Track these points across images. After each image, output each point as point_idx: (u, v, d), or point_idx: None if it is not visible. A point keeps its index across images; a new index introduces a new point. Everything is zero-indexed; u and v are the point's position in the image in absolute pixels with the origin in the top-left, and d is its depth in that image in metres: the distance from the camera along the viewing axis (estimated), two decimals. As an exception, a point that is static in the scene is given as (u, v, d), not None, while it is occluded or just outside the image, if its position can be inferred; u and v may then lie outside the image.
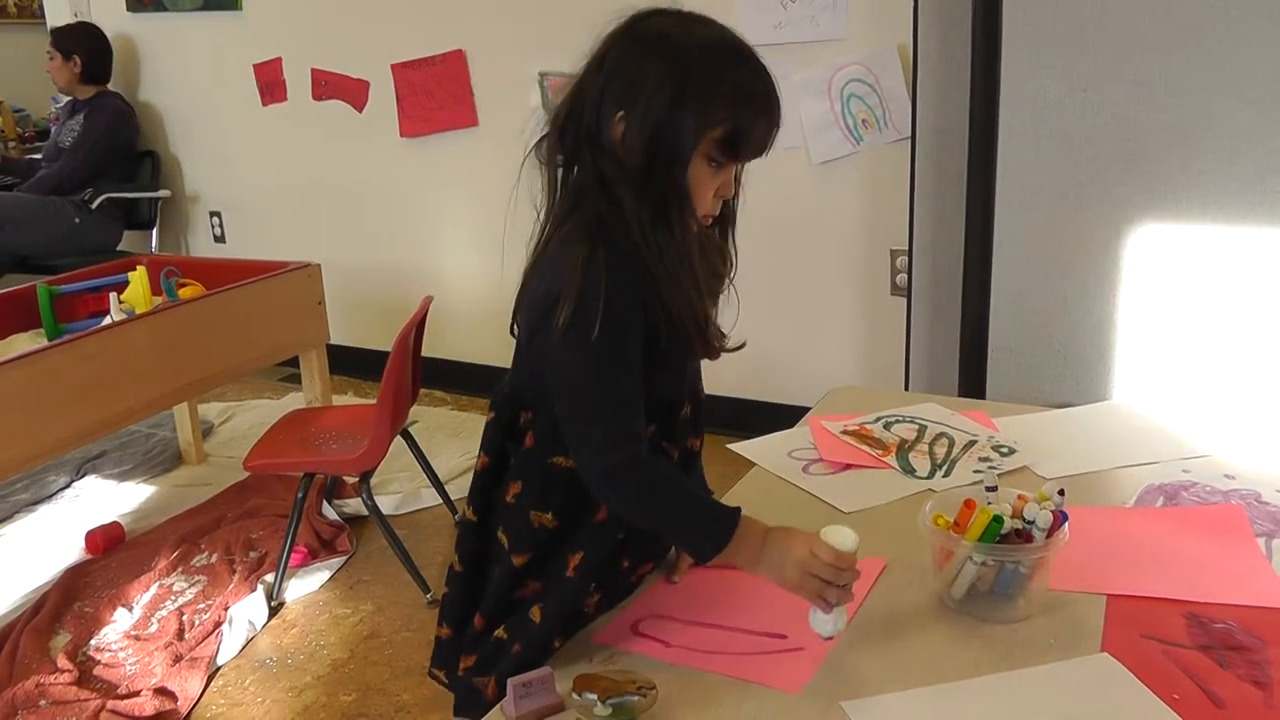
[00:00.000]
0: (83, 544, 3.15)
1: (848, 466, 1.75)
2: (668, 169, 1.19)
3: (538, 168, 1.27)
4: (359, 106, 4.32)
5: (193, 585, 2.90)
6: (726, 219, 1.34)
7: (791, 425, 1.93)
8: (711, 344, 1.28)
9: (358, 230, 4.51)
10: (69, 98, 4.77)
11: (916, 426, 1.90)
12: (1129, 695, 1.15)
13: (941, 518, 1.30)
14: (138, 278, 3.15)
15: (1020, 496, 1.30)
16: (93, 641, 2.66)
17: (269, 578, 2.85)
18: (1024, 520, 1.27)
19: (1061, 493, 1.30)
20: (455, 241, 4.24)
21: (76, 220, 4.50)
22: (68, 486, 3.65)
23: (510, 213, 1.29)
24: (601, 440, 1.20)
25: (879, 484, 1.68)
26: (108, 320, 2.96)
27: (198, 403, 3.89)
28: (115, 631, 2.70)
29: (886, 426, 1.90)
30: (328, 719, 2.31)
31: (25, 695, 2.41)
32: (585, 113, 1.22)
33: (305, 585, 2.87)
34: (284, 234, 4.68)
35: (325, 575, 2.92)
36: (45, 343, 2.83)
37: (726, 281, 1.35)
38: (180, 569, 2.99)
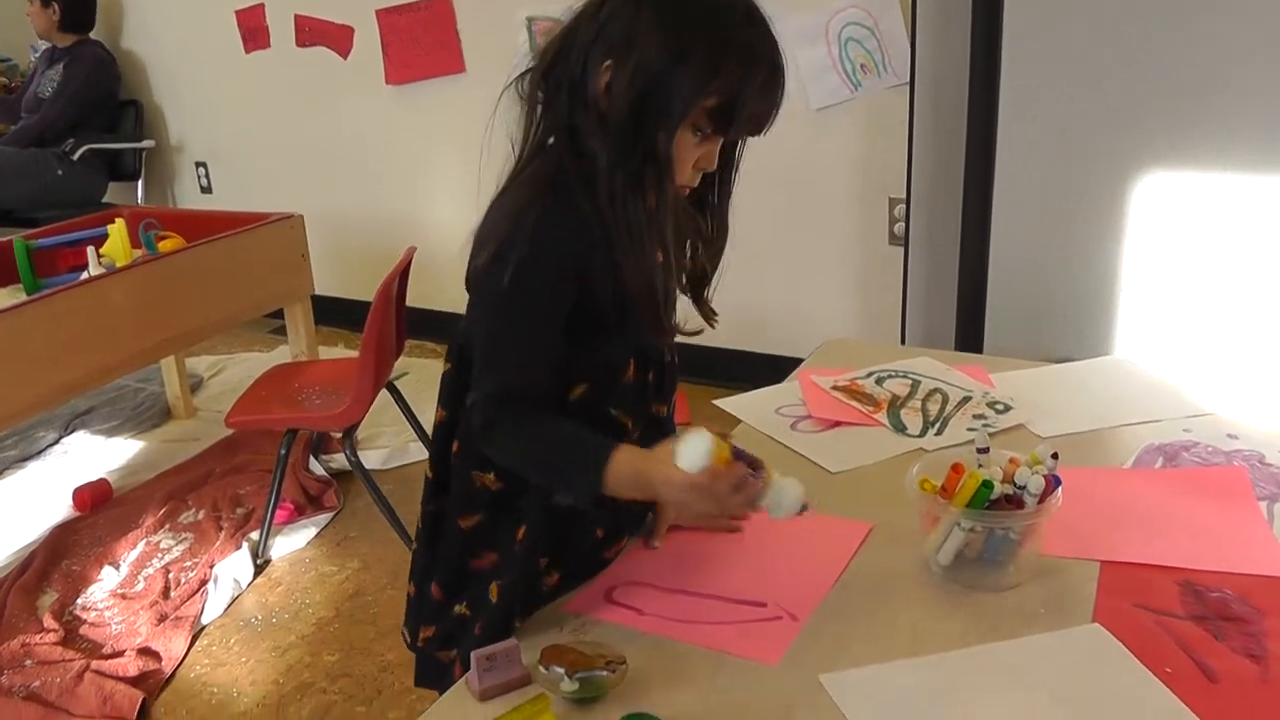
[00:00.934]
0: (70, 501, 3.12)
1: (836, 424, 1.69)
2: (652, 131, 1.10)
3: (518, 103, 1.19)
4: (343, 53, 4.22)
5: (180, 543, 2.87)
6: (716, 191, 1.26)
7: (785, 377, 1.87)
8: (662, 325, 1.19)
9: (346, 179, 4.42)
10: (47, 45, 4.66)
11: (909, 382, 1.84)
12: (1120, 669, 1.10)
13: (928, 482, 1.24)
14: (116, 231, 3.09)
15: (1011, 460, 1.24)
16: (79, 600, 2.63)
17: (254, 535, 2.82)
18: (1015, 485, 1.21)
19: (1055, 456, 1.24)
20: (444, 189, 4.16)
21: (59, 172, 4.41)
22: (56, 443, 3.61)
23: (493, 158, 1.21)
24: (489, 393, 1.14)
25: (868, 442, 1.62)
26: (85, 275, 2.89)
27: (185, 356, 3.84)
28: (102, 590, 2.67)
29: (879, 382, 1.84)
30: (311, 679, 2.28)
31: (10, 655, 2.39)
32: (574, 55, 1.13)
33: (291, 542, 2.84)
34: (271, 184, 4.59)
35: (312, 532, 2.89)
36: (23, 298, 2.77)
37: (717, 261, 1.27)
38: (167, 526, 2.96)
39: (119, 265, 2.97)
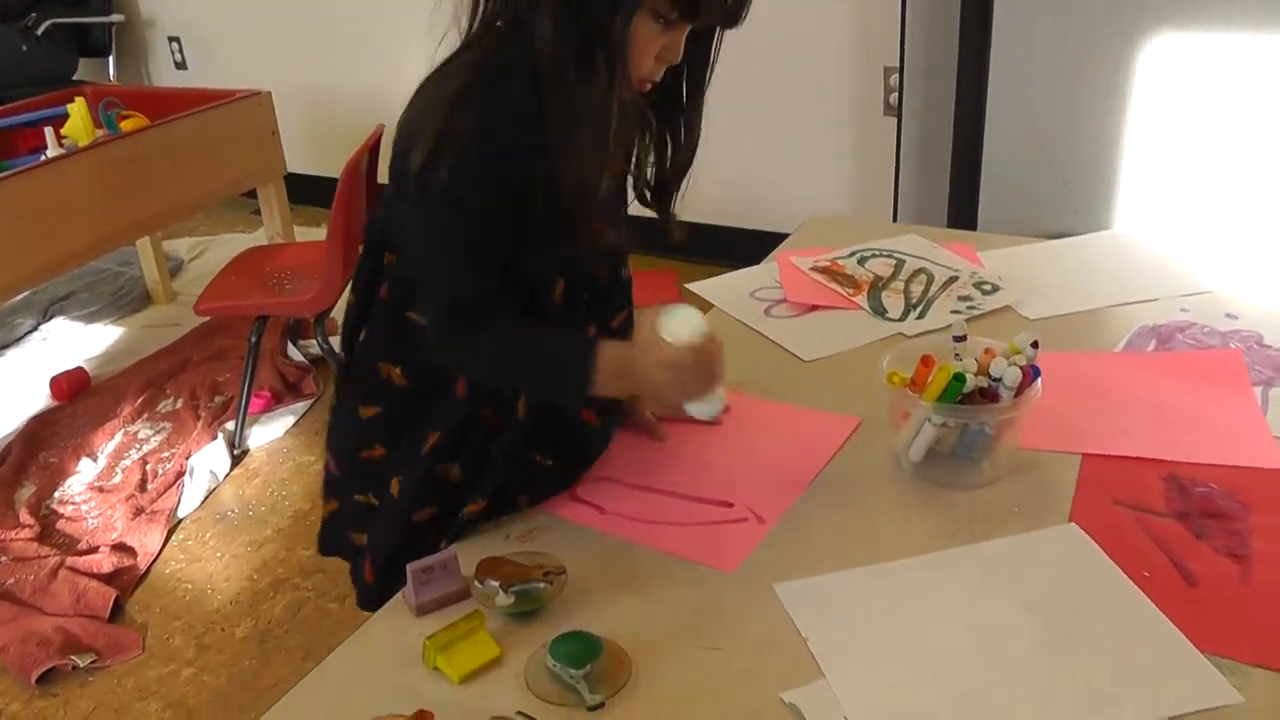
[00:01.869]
0: (48, 390, 3.07)
1: (813, 308, 1.60)
2: (607, 11, 0.97)
3: None
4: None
5: (157, 433, 2.83)
6: (686, 89, 1.12)
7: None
8: (585, 233, 1.05)
9: (327, 52, 4.22)
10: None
11: (893, 261, 1.74)
12: (1094, 572, 1.03)
13: (897, 375, 1.15)
14: (77, 110, 2.96)
15: (987, 350, 1.15)
16: (56, 494, 2.60)
17: (230, 425, 2.76)
18: (989, 377, 1.13)
19: (1035, 345, 1.15)
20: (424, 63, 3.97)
21: (24, 48, 4.22)
22: (35, 329, 3.55)
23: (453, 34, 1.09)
24: (446, 303, 1.05)
25: (845, 327, 1.54)
26: (44, 157, 2.77)
27: (163, 239, 3.74)
28: (79, 483, 2.64)
29: (860, 262, 1.74)
30: (285, 575, 2.26)
31: (-14, 550, 2.37)
32: None
33: (269, 431, 2.79)
34: (248, 59, 4.40)
35: (290, 420, 2.84)
36: (-20, 182, 2.65)
37: (684, 169, 1.15)
38: (145, 415, 2.91)
39: (81, 146, 2.85)
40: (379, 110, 4.23)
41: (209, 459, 2.65)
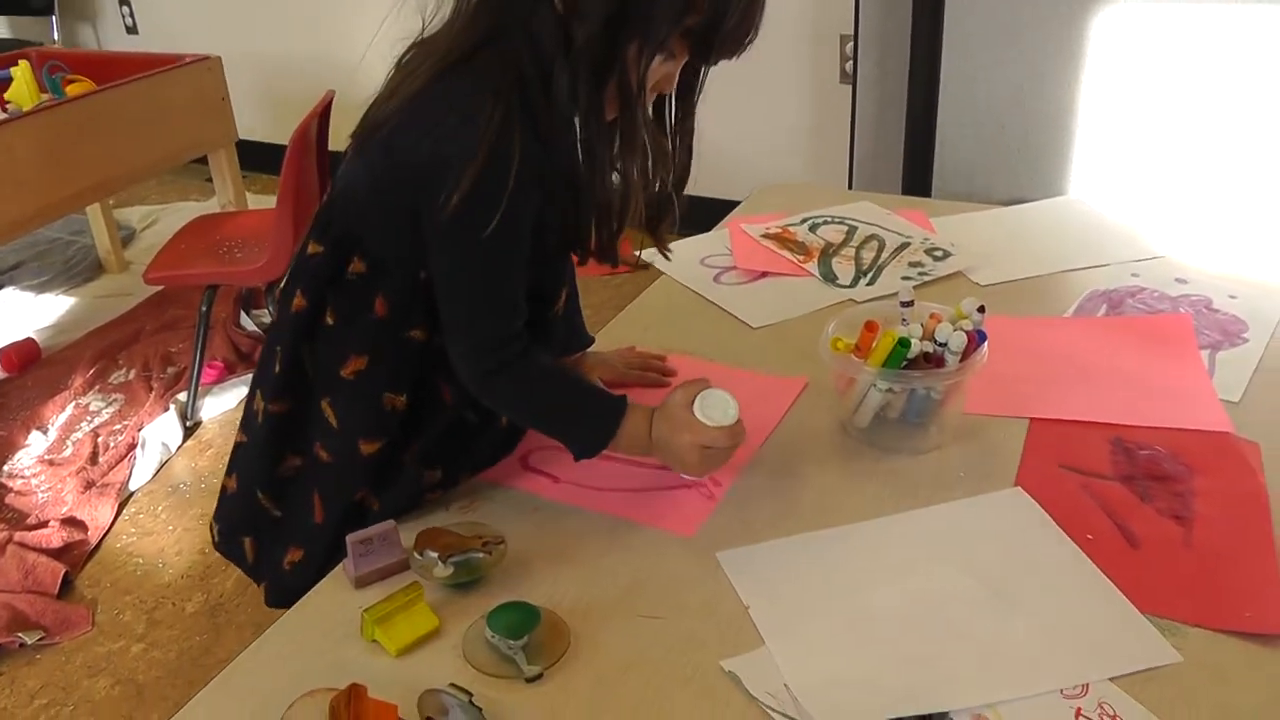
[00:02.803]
0: (-4, 363, 3.01)
1: (763, 275, 1.59)
2: (624, 52, 0.95)
3: None
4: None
5: (109, 404, 2.78)
6: (675, 113, 1.10)
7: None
8: (617, 248, 1.09)
9: (283, 17, 4.13)
10: None
11: (845, 228, 1.72)
12: (1038, 535, 1.03)
13: (841, 341, 1.14)
14: (20, 74, 2.88)
15: (933, 315, 1.14)
16: (5, 468, 2.55)
17: (182, 396, 2.72)
18: (935, 342, 1.12)
19: (981, 309, 1.14)
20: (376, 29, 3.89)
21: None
22: (-16, 300, 3.47)
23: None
24: (478, 342, 1.04)
25: (795, 294, 1.52)
26: (-15, 122, 2.70)
27: (114, 207, 3.66)
28: (29, 456, 2.59)
29: (812, 229, 1.73)
30: (238, 545, 2.23)
31: (-68, 526, 2.32)
32: None
33: (222, 402, 2.74)
34: (202, 23, 4.30)
35: (243, 391, 2.78)
36: (-81, 148, 2.58)
37: (681, 189, 1.13)
38: (97, 387, 2.86)
39: (25, 110, 2.77)
40: (331, 76, 4.17)
41: (161, 431, 2.61)
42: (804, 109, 3.28)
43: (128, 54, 3.28)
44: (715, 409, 1.05)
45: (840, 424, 1.21)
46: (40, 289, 3.52)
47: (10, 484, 2.48)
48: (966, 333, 1.11)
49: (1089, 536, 1.02)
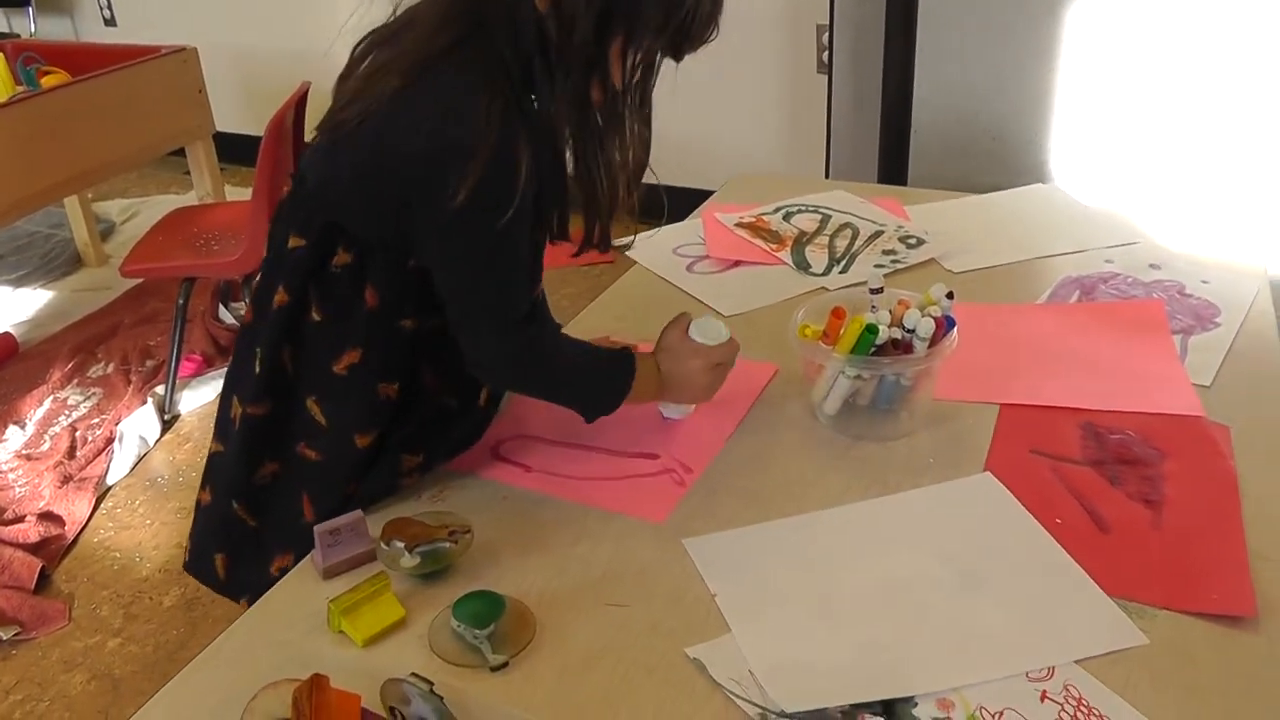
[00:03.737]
0: (-27, 357, 2.99)
1: (736, 264, 1.58)
2: (607, 51, 0.97)
3: None
4: None
5: (87, 398, 2.76)
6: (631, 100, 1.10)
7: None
8: (608, 236, 1.11)
9: (260, 9, 4.10)
10: None
11: (819, 217, 1.72)
12: (1006, 521, 1.03)
13: (809, 328, 1.14)
14: (-5, 65, 2.86)
15: (901, 302, 1.14)
16: (-19, 462, 2.53)
17: (160, 390, 2.70)
18: (903, 329, 1.12)
19: (950, 295, 1.14)
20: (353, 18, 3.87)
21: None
22: (-39, 295, 3.44)
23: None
24: (501, 328, 1.05)
25: (767, 282, 1.52)
26: (-43, 115, 2.67)
27: (93, 201, 3.63)
28: (6, 451, 2.57)
29: (786, 218, 1.72)
30: (215, 539, 2.22)
31: (-91, 521, 2.30)
32: None
33: (201, 395, 2.73)
34: (181, 14, 4.26)
35: (221, 384, 2.77)
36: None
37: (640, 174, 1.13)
38: (75, 381, 2.84)
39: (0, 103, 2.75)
40: (307, 67, 4.15)
41: (139, 424, 2.59)
42: (781, 98, 3.27)
43: (103, 45, 3.25)
44: (710, 330, 1.15)
45: (810, 411, 1.21)
46: (18, 283, 3.50)
47: (-13, 479, 2.46)
48: (935, 319, 1.11)
49: (1058, 521, 1.02)
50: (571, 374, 1.12)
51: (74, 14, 4.59)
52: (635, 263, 1.59)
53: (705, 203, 1.79)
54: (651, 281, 1.54)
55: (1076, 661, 0.86)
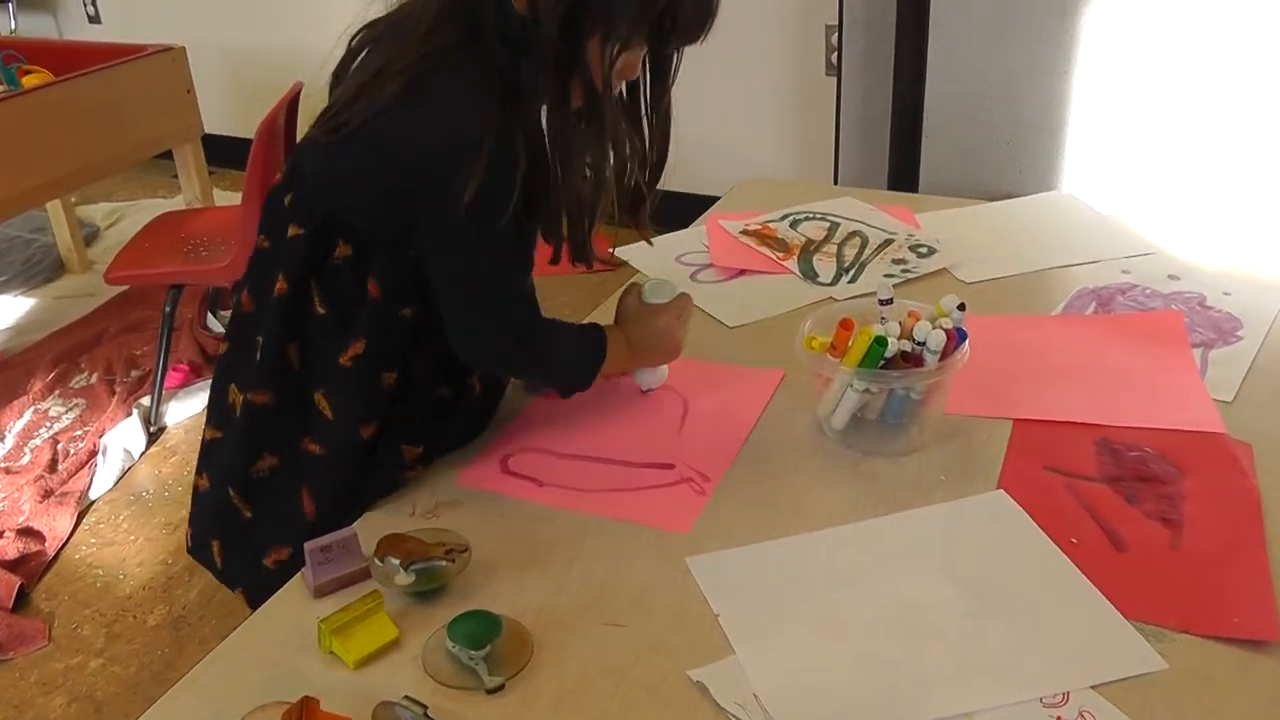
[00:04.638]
0: (-48, 367, 2.93)
1: (741, 272, 1.55)
2: (585, 45, 0.97)
3: None
4: None
5: (70, 410, 2.71)
6: (648, 101, 1.11)
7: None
8: (588, 248, 1.11)
9: (251, 3, 4.05)
10: None
11: (827, 224, 1.69)
12: (1020, 540, 1.00)
13: (816, 339, 1.11)
14: (-26, 65, 2.81)
15: (911, 313, 1.11)
16: (-41, 475, 2.48)
17: (146, 401, 2.66)
18: (913, 341, 1.08)
19: (962, 307, 1.10)
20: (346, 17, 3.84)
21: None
22: (-60, 301, 3.39)
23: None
24: (503, 319, 1.09)
25: (773, 292, 1.49)
26: (-61, 116, 2.62)
27: (76, 205, 3.58)
28: (-15, 463, 2.52)
29: (793, 225, 1.69)
30: (199, 557, 2.18)
31: (-115, 536, 2.24)
32: None
33: (188, 407, 2.68)
34: (167, 12, 4.20)
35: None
36: None
37: (656, 179, 1.15)
38: (57, 391, 2.79)
39: (-20, 104, 2.70)
40: (299, 66, 4.09)
41: (123, 437, 2.54)
42: (787, 101, 3.25)
43: (87, 44, 3.20)
44: (663, 290, 1.20)
45: (817, 425, 1.17)
46: (-2, 290, 3.45)
47: (-35, 492, 2.41)
48: (946, 331, 1.08)
49: (1073, 540, 0.99)
50: (554, 351, 1.15)
51: (57, 11, 4.54)
52: (637, 271, 1.55)
53: (710, 209, 1.76)
54: (653, 290, 1.50)
55: (1092, 686, 0.83)
